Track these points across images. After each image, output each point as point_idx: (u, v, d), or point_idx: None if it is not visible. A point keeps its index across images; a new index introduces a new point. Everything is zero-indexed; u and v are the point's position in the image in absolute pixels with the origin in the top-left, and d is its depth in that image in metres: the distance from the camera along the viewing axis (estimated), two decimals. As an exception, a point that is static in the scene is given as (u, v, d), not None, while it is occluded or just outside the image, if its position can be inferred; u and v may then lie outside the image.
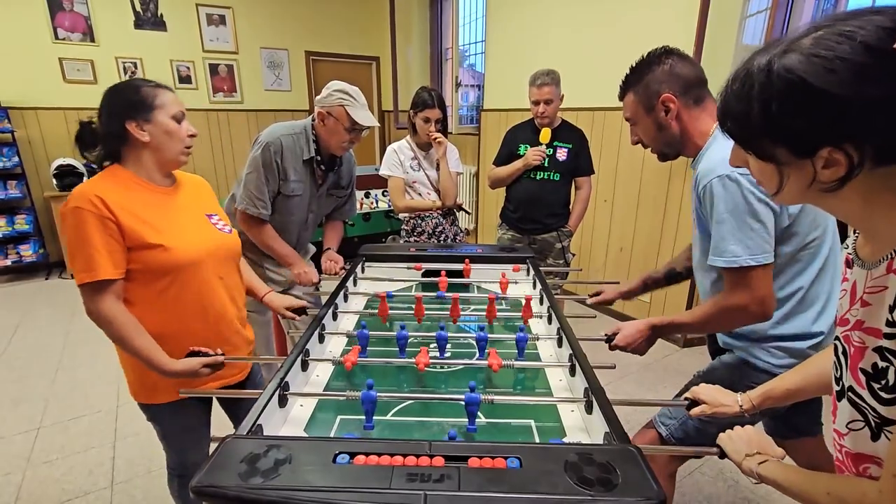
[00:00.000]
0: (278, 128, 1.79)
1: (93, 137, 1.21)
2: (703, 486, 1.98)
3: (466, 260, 1.80)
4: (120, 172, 1.19)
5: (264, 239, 1.84)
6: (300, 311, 1.49)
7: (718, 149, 1.11)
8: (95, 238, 1.09)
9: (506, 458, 0.75)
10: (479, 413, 1.04)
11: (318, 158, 1.83)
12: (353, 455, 0.76)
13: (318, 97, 1.78)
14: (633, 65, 1.23)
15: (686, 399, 1.06)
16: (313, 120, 1.81)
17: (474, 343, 1.24)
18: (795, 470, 0.77)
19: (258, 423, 0.88)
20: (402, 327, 1.25)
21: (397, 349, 1.25)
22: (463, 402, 0.96)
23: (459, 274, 1.79)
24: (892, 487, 0.59)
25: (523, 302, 1.44)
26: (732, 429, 0.90)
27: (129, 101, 1.16)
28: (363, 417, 1.02)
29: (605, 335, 1.33)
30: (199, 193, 1.37)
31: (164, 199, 1.24)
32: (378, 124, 1.86)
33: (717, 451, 0.90)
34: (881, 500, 0.60)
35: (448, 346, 1.29)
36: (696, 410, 1.02)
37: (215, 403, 1.47)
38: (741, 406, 0.98)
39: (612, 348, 1.32)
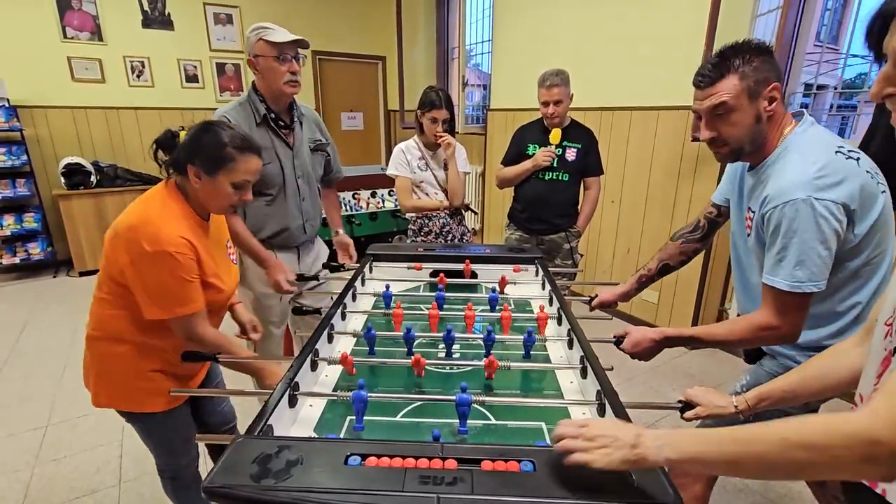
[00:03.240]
0: (222, 109, 1.73)
1: (170, 146, 1.23)
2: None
3: (467, 261, 1.79)
4: (180, 201, 1.22)
5: (235, 234, 1.68)
6: (311, 311, 1.50)
7: (794, 168, 1.05)
8: (188, 279, 1.16)
9: (519, 462, 0.74)
10: (488, 414, 1.04)
11: (273, 116, 1.75)
12: (364, 457, 0.75)
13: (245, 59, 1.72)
14: (728, 48, 1.10)
15: (680, 402, 1.04)
16: (253, 85, 1.75)
17: (483, 344, 1.23)
18: (714, 433, 0.63)
19: (268, 423, 0.88)
20: (409, 329, 1.24)
21: (405, 350, 1.24)
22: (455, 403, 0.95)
23: (463, 275, 1.78)
24: (890, 404, 0.52)
25: (535, 308, 1.42)
26: None
27: (205, 150, 1.18)
28: (373, 418, 1.01)
29: (615, 337, 1.31)
30: (218, 219, 1.40)
31: (208, 232, 1.29)
32: (302, 37, 1.69)
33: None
34: (874, 422, 0.52)
35: (456, 346, 1.29)
36: (689, 414, 1.01)
37: None
38: (736, 407, 0.96)
39: (620, 349, 1.30)
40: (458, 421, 0.98)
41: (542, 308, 1.42)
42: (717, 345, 1.21)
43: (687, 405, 1.02)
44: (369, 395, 0.97)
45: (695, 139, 1.26)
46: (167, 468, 1.44)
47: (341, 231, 2.06)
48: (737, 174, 1.31)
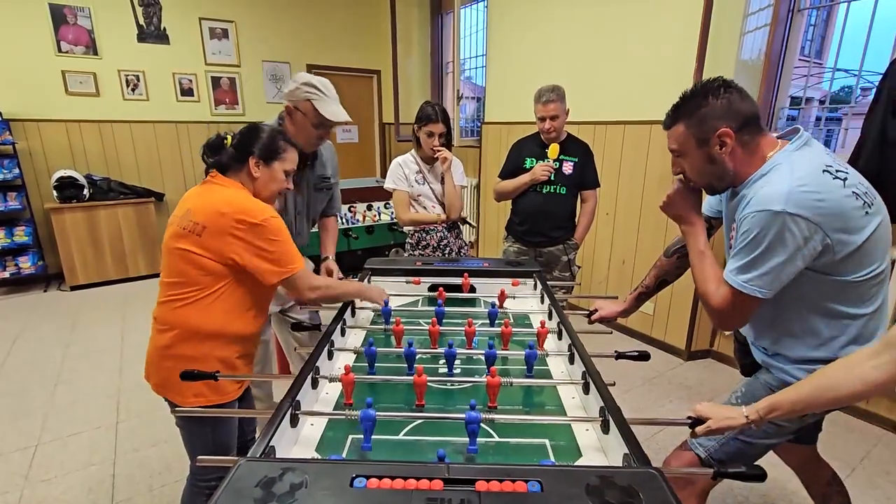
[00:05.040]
0: None
1: (218, 148, 1.39)
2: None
3: (465, 274, 1.79)
4: (240, 187, 1.36)
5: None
6: (310, 327, 1.50)
7: (777, 181, 1.05)
8: (288, 235, 1.33)
9: (526, 482, 0.74)
10: (491, 432, 1.04)
11: None
12: (370, 479, 0.74)
13: (285, 90, 1.71)
14: (686, 93, 1.16)
15: (689, 418, 1.04)
16: (281, 118, 1.75)
17: (484, 360, 1.23)
18: (806, 383, 0.82)
19: (271, 444, 0.87)
20: (410, 344, 1.23)
21: (405, 366, 1.24)
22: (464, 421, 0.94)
23: (462, 289, 1.78)
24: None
25: (534, 322, 1.42)
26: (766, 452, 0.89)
27: (263, 142, 1.37)
28: (375, 437, 1.00)
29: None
30: None
31: None
32: (349, 119, 1.76)
33: (710, 472, 0.86)
34: None
35: (457, 362, 1.28)
36: (700, 429, 1.01)
37: None
38: (747, 417, 0.97)
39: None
40: (461, 439, 0.98)
41: (542, 323, 1.42)
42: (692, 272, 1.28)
43: (696, 421, 1.02)
44: (377, 413, 0.96)
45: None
46: (209, 476, 1.39)
47: (331, 257, 2.02)
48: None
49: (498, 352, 1.23)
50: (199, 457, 0.89)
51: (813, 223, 1.01)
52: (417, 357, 1.26)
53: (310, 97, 1.65)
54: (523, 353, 1.23)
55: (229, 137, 1.40)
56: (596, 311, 1.65)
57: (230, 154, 1.37)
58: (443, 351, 1.23)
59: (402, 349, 1.24)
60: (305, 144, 1.72)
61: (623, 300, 1.66)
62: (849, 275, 1.08)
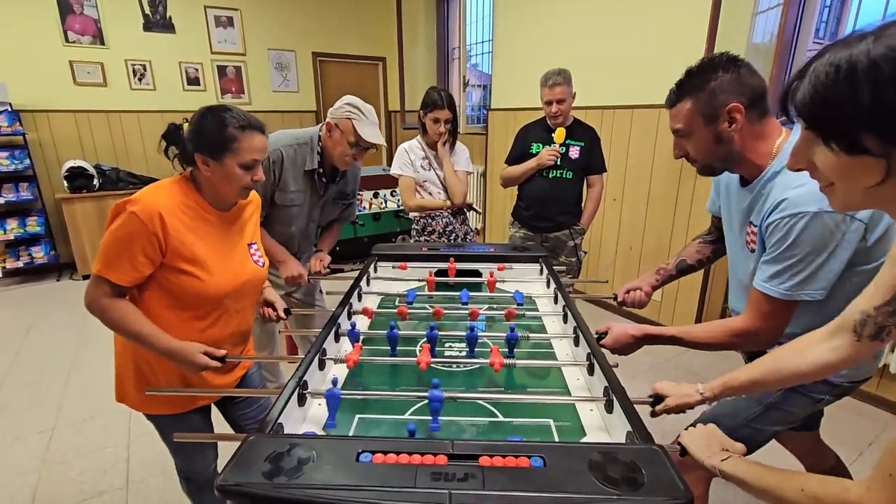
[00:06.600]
0: (282, 136, 1.77)
1: (175, 140, 1.21)
2: (719, 488, 1.97)
3: (451, 259, 1.76)
4: (188, 189, 1.21)
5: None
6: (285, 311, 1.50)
7: (801, 179, 1.00)
8: (133, 248, 1.11)
9: (529, 457, 0.75)
10: (495, 411, 1.05)
11: (321, 171, 1.80)
12: (375, 454, 0.75)
13: (331, 108, 1.78)
14: (692, 69, 1.10)
15: (651, 396, 1.05)
16: (321, 130, 1.80)
17: (490, 343, 1.24)
18: (762, 467, 0.75)
19: (279, 421, 0.88)
20: (392, 326, 1.23)
21: (413, 349, 1.25)
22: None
23: (471, 274, 1.79)
24: (882, 486, 0.58)
25: (539, 306, 1.42)
26: (757, 432, 0.90)
27: (207, 135, 1.15)
28: (382, 416, 1.02)
29: (597, 333, 1.29)
30: (249, 217, 1.38)
31: (218, 226, 1.26)
32: (384, 143, 1.82)
33: (678, 449, 0.90)
34: (866, 499, 0.59)
35: (461, 345, 1.29)
36: (660, 407, 1.03)
37: (213, 409, 1.44)
38: (702, 394, 0.99)
39: (600, 346, 1.28)
40: (465, 418, 0.99)
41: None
42: (696, 346, 1.20)
43: (658, 398, 1.04)
44: (343, 392, 0.99)
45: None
46: (183, 469, 1.44)
47: (325, 251, 2.05)
48: (720, 185, 1.30)
49: (479, 333, 1.23)
50: (217, 432, 0.90)
51: (847, 214, 0.98)
52: (421, 341, 1.27)
53: (350, 117, 1.71)
54: (504, 335, 1.22)
55: (185, 125, 1.20)
56: (627, 292, 1.61)
57: (182, 151, 1.19)
58: (425, 333, 1.23)
59: (417, 330, 1.25)
60: (339, 161, 1.79)
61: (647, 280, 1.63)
62: (876, 261, 1.05)
